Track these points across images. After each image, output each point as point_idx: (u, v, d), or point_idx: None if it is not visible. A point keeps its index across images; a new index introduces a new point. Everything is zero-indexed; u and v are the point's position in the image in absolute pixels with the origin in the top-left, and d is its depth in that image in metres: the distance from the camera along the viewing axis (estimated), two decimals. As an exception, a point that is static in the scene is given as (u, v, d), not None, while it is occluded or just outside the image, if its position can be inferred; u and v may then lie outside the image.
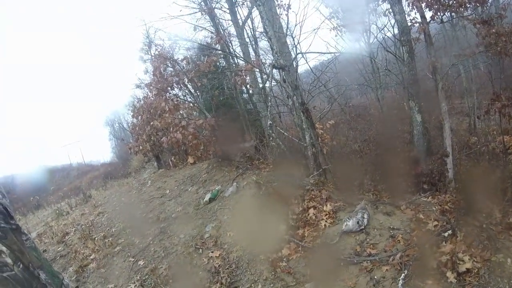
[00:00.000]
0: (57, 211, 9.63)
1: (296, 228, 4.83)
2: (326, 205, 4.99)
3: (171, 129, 8.09)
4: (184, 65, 9.76)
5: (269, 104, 6.09)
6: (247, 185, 6.30)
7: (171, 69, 9.77)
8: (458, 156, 7.88)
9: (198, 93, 11.28)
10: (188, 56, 10.32)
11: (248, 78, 9.68)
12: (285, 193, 5.76)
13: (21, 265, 1.17)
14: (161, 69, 9.03)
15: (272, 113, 7.32)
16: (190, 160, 8.46)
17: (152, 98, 9.40)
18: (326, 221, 4.73)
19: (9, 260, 1.13)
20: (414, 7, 7.24)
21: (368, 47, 12.56)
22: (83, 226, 7.07)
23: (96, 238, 6.39)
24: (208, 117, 8.67)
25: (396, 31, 8.86)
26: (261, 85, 10.64)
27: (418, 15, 7.36)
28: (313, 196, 5.38)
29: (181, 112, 9.46)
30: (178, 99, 9.68)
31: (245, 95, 12.20)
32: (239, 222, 5.41)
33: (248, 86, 10.72)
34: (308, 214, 4.98)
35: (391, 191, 5.46)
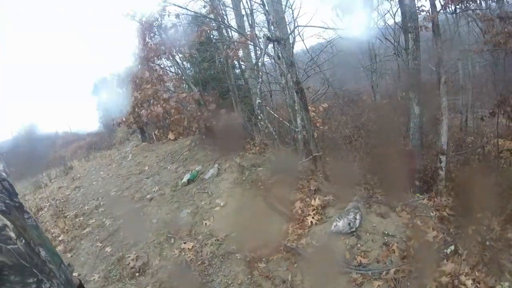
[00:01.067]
0: (36, 183, 9.46)
1: (280, 223, 4.40)
2: (315, 199, 4.60)
3: (152, 101, 7.50)
4: (172, 33, 9.06)
5: (260, 80, 5.46)
6: (229, 168, 5.93)
7: (159, 37, 9.08)
8: (452, 154, 7.59)
9: (188, 65, 10.66)
10: (178, 24, 9.60)
11: (241, 52, 9.08)
12: (270, 180, 5.38)
13: (23, 240, 1.15)
14: (146, 37, 8.30)
15: (263, 90, 6.80)
16: (171, 136, 7.96)
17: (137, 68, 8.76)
18: (313, 217, 4.32)
19: (12, 234, 1.11)
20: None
21: (368, 32, 12.03)
22: (57, 202, 6.91)
23: (68, 216, 6.13)
24: (194, 91, 8.08)
25: (398, 19, 8.36)
26: (254, 61, 10.04)
27: (428, 1, 6.90)
28: (301, 187, 5.03)
29: (167, 84, 8.85)
30: (163, 70, 9.04)
31: (237, 71, 11.61)
32: (217, 210, 4.97)
33: (240, 60, 10.11)
34: (294, 208, 4.55)
35: (384, 186, 5.08)
